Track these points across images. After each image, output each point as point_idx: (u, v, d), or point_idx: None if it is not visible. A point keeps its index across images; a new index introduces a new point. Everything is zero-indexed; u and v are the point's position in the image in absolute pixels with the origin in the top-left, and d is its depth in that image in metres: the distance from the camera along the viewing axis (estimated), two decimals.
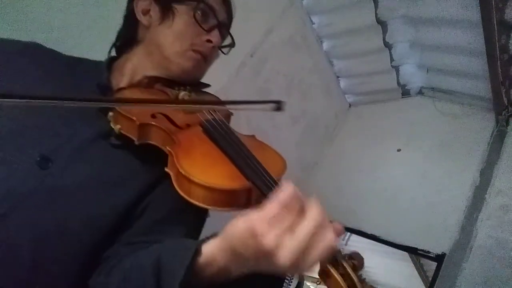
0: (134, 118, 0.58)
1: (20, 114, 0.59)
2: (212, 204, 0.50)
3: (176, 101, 0.65)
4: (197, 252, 0.44)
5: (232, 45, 0.83)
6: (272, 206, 0.39)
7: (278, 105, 0.52)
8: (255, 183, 0.48)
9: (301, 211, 0.40)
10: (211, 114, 0.67)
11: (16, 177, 0.54)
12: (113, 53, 0.80)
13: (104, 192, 0.58)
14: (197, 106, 0.61)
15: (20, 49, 0.69)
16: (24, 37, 0.71)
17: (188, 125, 0.63)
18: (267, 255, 0.38)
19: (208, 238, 0.46)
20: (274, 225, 0.39)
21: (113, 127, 0.61)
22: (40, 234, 0.53)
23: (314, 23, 2.27)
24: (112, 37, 0.80)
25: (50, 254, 0.53)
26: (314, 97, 2.46)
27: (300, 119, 2.42)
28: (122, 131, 0.60)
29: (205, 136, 0.61)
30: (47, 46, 0.73)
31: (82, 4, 1.23)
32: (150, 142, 0.60)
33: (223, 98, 0.83)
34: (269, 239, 0.38)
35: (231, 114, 0.78)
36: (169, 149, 0.55)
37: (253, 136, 0.71)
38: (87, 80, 0.69)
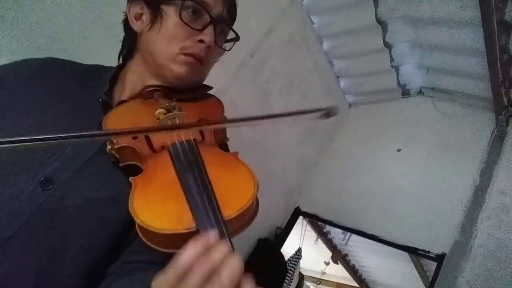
0: (114, 140, 0.58)
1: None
2: (156, 245, 0.48)
3: (159, 127, 0.59)
4: None
5: (235, 39, 0.76)
6: (173, 269, 0.40)
7: (328, 112, 0.45)
8: (199, 227, 0.46)
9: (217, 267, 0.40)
10: (182, 135, 0.59)
11: (22, 199, 0.54)
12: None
13: (104, 209, 0.58)
14: (227, 124, 0.54)
15: (34, 69, 0.69)
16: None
17: (163, 148, 0.59)
18: None
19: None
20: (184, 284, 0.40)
21: (107, 145, 0.61)
22: (43, 253, 0.53)
23: (314, 23, 2.27)
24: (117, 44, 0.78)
25: (53, 274, 0.54)
26: (314, 97, 2.46)
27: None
28: (112, 152, 0.60)
29: (171, 163, 0.56)
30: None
31: (87, 10, 1.23)
32: (131, 163, 0.59)
33: (222, 98, 0.83)
34: None
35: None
36: (131, 180, 0.54)
37: (233, 155, 0.62)
38: (96, 94, 0.68)
